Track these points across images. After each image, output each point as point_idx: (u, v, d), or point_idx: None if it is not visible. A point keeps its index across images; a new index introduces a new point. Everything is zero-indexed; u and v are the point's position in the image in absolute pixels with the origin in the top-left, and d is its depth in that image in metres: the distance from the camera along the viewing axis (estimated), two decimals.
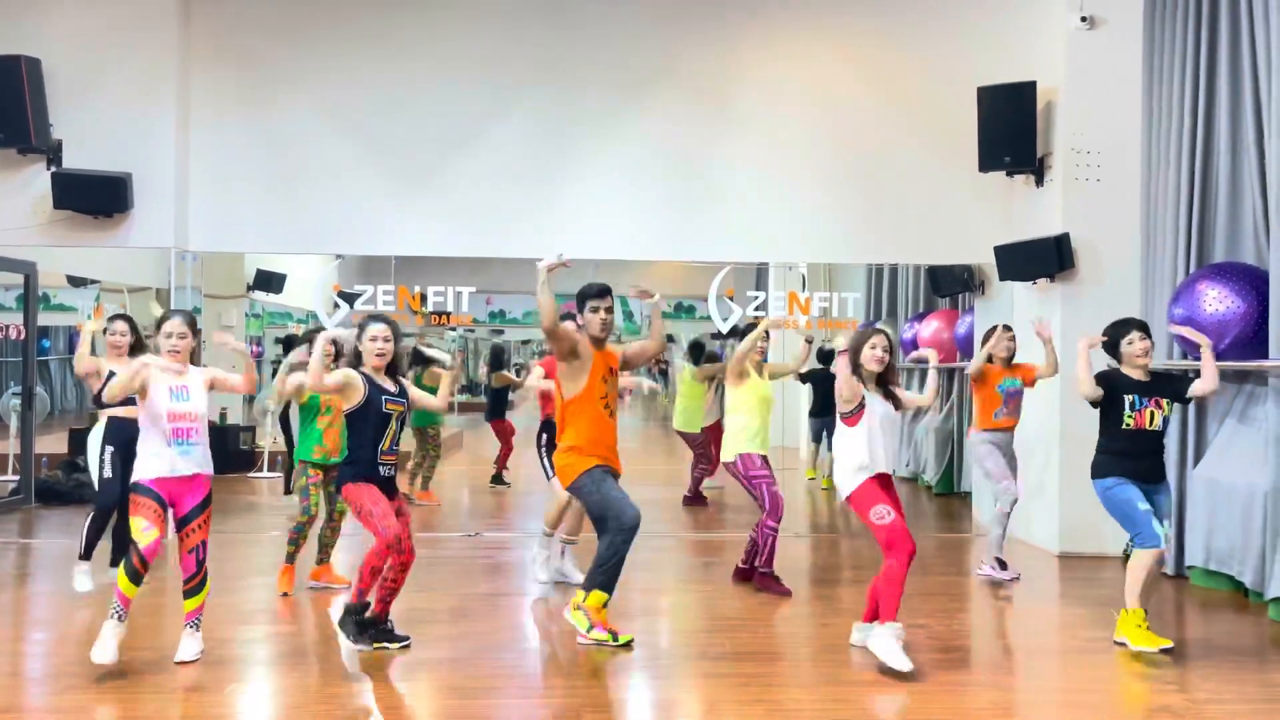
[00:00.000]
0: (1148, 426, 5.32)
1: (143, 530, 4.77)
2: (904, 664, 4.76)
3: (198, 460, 4.94)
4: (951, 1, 8.81)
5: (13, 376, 12.67)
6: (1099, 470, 5.39)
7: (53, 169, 8.23)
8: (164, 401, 4.89)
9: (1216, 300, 6.41)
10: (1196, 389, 5.38)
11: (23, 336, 9.77)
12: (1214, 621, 6.07)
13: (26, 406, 9.86)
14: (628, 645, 5.21)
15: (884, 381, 5.13)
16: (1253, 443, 6.46)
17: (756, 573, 6.57)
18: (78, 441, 10.33)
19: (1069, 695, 4.78)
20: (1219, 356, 6.52)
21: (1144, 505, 5.27)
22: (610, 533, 5.14)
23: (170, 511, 4.90)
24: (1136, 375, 5.41)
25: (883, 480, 5.05)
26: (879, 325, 5.27)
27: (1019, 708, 4.63)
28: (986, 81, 8.23)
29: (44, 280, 10.01)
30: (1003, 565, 7.02)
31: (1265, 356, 6.20)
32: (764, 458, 6.58)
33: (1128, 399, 5.33)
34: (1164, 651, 5.16)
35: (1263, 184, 6.46)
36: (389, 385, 5.17)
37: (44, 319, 10.80)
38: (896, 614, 4.90)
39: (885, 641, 4.87)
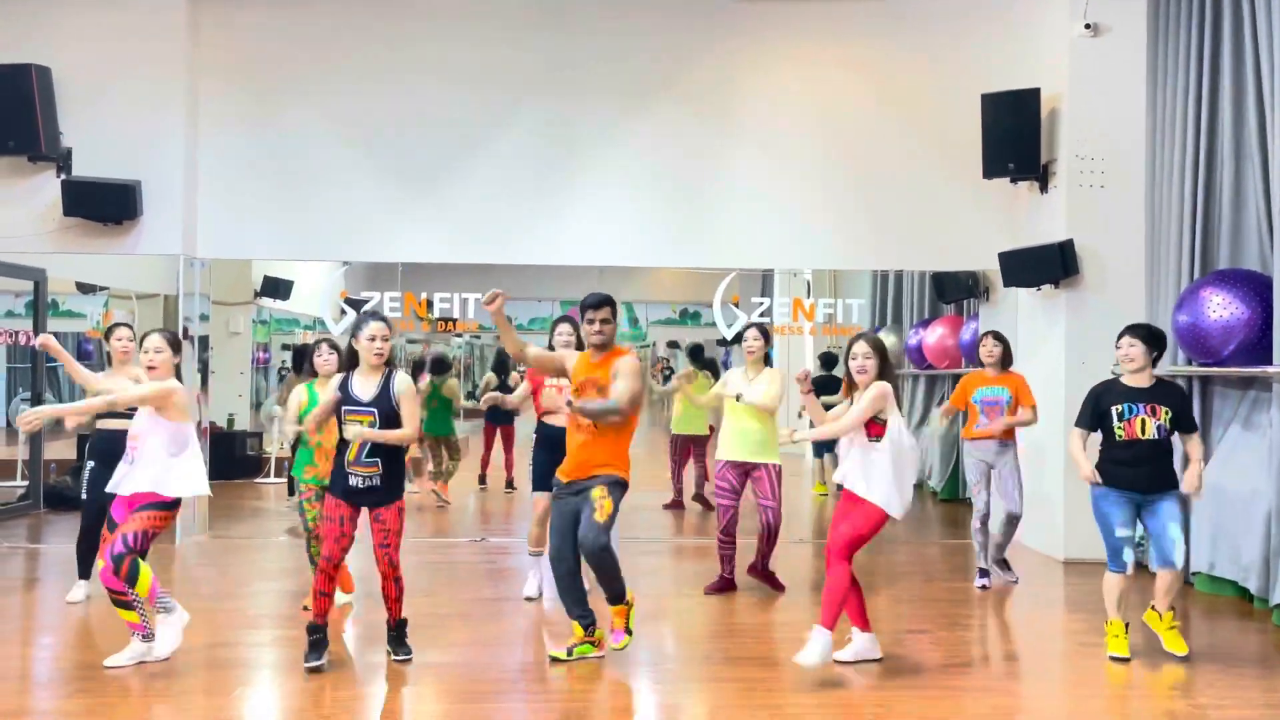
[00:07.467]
0: (1140, 436, 5.17)
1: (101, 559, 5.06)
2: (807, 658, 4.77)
3: (135, 480, 4.88)
4: (955, 9, 8.83)
5: (21, 382, 12.76)
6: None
7: (62, 176, 8.29)
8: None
9: (1220, 307, 6.42)
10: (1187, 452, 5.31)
11: (32, 343, 9.82)
12: (1218, 628, 6.07)
13: None
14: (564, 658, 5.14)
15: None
16: (1257, 449, 6.46)
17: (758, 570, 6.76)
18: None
19: (1072, 701, 4.79)
20: (1222, 364, 6.55)
21: (1123, 531, 5.18)
22: None
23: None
24: (1131, 381, 5.30)
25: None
26: (868, 333, 5.23)
27: (1022, 713, 4.64)
28: (990, 88, 8.25)
29: (53, 287, 10.08)
30: (983, 573, 6.92)
31: (1269, 363, 6.20)
32: (733, 466, 6.56)
33: (1115, 409, 5.21)
34: (1119, 660, 5.17)
35: (1266, 191, 6.47)
36: (365, 392, 4.88)
37: (53, 325, 10.83)
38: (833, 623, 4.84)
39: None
